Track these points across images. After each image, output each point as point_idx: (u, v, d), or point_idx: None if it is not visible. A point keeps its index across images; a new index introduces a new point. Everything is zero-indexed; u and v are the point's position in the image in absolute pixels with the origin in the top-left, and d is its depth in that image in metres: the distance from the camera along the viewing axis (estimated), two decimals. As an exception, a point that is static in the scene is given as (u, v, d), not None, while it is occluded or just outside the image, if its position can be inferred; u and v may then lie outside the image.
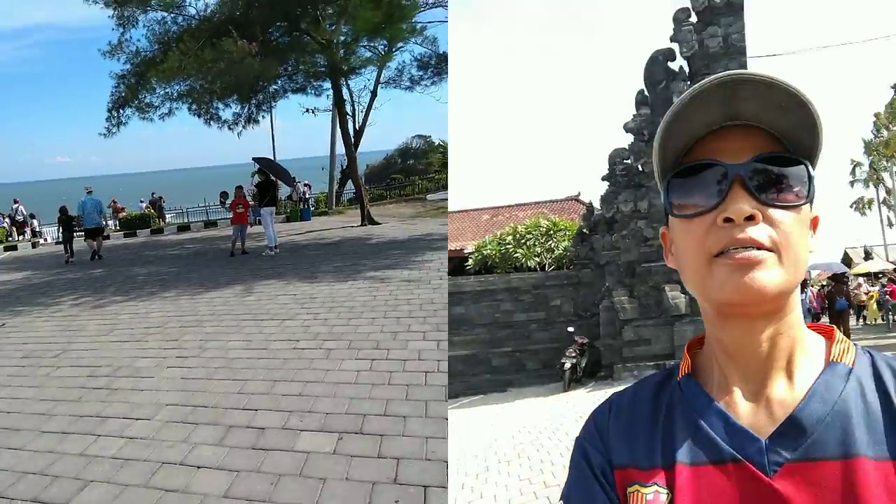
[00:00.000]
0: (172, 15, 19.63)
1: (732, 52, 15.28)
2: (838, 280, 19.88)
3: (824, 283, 22.64)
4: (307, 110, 24.04)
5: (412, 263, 12.59)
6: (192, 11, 19.65)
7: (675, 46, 16.02)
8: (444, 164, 34.56)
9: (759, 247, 0.85)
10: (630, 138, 16.30)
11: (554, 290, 18.64)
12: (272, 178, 16.69)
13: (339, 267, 12.79)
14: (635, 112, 16.38)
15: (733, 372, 0.94)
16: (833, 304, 18.46)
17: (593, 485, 0.97)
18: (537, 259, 19.73)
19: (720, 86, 0.88)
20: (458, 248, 23.22)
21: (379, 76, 24.52)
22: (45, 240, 25.97)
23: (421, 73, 21.36)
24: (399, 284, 10.45)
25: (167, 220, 28.77)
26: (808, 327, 0.98)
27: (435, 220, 21.79)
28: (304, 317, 8.68)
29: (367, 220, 21.48)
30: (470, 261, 20.93)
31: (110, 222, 26.74)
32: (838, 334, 0.97)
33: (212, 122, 20.95)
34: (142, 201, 30.90)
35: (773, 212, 0.87)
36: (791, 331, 0.92)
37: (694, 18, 15.80)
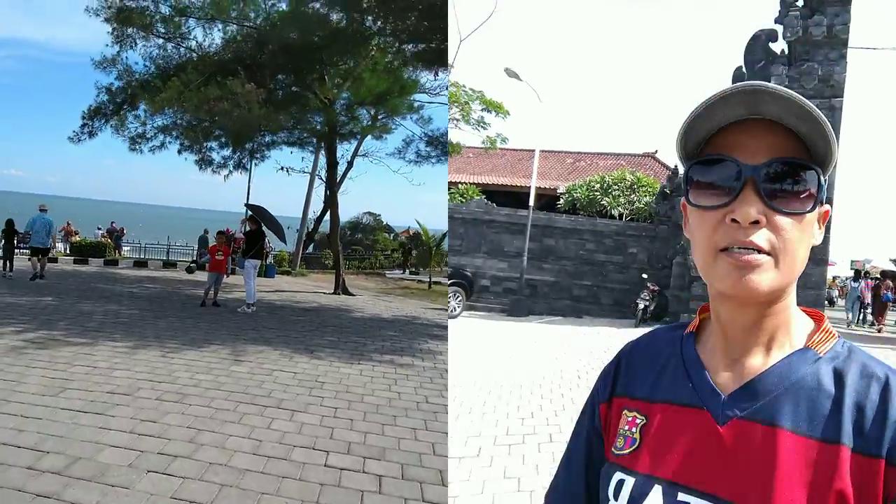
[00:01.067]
0: (174, 45, 17.88)
1: (835, 43, 15.57)
2: (887, 276, 22.60)
3: (878, 276, 24.43)
4: (282, 168, 22.18)
5: (420, 352, 10.55)
6: (194, 44, 17.89)
7: (779, 28, 16.27)
8: (402, 246, 33.72)
9: (760, 250, 0.90)
10: None
11: (632, 238, 20.68)
12: (263, 228, 14.51)
13: (335, 342, 10.62)
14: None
15: (722, 339, 1.02)
16: (878, 296, 20.85)
17: (586, 416, 1.19)
18: (620, 209, 21.46)
19: (742, 93, 0.90)
20: (550, 187, 25.40)
21: (359, 146, 22.97)
22: None
23: (429, 149, 19.77)
24: (420, 381, 8.39)
25: (123, 253, 25.93)
26: (803, 311, 1.04)
27: (409, 300, 19.78)
28: (320, 410, 6.52)
29: (342, 289, 19.41)
30: (561, 200, 22.98)
31: (60, 245, 23.93)
32: (826, 323, 1.02)
33: (203, 164, 18.84)
34: (99, 229, 28.35)
35: (777, 217, 0.91)
36: (779, 314, 0.98)
37: (801, 2, 16.03)
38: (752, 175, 0.91)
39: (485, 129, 21.16)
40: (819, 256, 15.53)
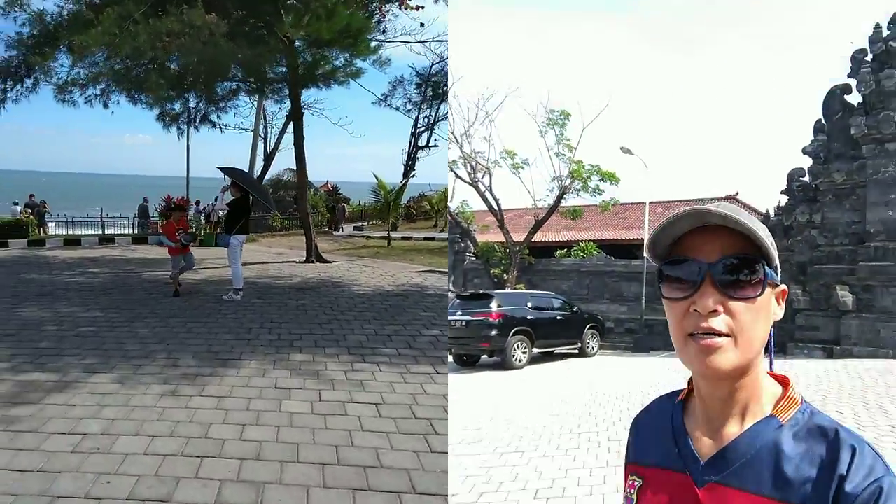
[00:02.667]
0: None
1: None
2: None
3: None
4: (214, 125, 18.62)
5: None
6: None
7: (852, 82, 17.00)
8: (327, 202, 30.73)
9: (719, 334, 1.00)
10: (808, 160, 17.83)
11: None
12: (249, 196, 11.15)
13: (377, 337, 8.01)
14: (813, 138, 17.65)
15: (703, 409, 1.10)
16: None
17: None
18: None
19: (692, 214, 1.04)
20: (640, 238, 24.73)
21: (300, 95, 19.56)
22: None
23: (419, 92, 16.73)
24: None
25: (48, 231, 21.82)
26: (772, 377, 1.11)
27: (386, 262, 17.23)
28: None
29: (315, 256, 16.50)
30: None
31: None
32: (791, 390, 1.09)
33: (168, 120, 15.22)
34: (15, 203, 23.00)
35: (732, 304, 1.01)
36: (749, 386, 1.05)
37: (870, 58, 16.63)
38: (708, 270, 1.02)
39: (600, 194, 23.04)
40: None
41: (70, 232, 21.47)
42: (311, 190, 33.99)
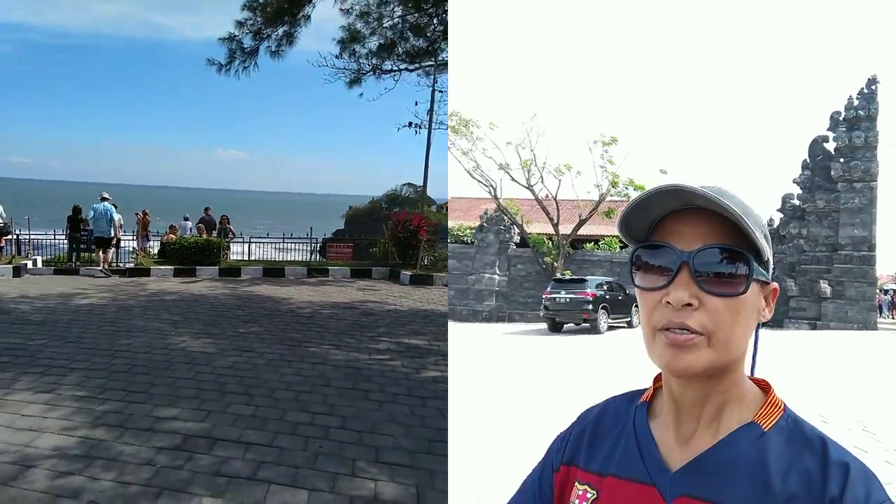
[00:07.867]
0: None
1: (868, 147, 19.47)
2: None
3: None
4: (410, 125, 14.69)
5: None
6: None
7: (830, 134, 20.15)
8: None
9: (691, 331, 0.77)
10: (797, 188, 20.75)
11: None
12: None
13: None
14: (801, 172, 20.62)
15: (674, 412, 0.85)
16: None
17: (537, 473, 0.97)
18: None
19: (668, 191, 0.78)
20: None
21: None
22: (35, 261, 12.84)
23: None
24: None
25: (231, 256, 14.65)
26: (752, 380, 0.86)
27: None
28: None
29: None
30: None
31: (132, 242, 14.76)
32: (773, 395, 0.84)
33: None
34: (186, 218, 16.46)
35: (709, 298, 0.77)
36: (727, 390, 0.82)
37: (843, 117, 19.91)
38: (686, 260, 0.78)
39: (628, 199, 22.36)
40: (869, 280, 19.54)
41: (246, 257, 14.80)
42: (434, 208, 24.80)
